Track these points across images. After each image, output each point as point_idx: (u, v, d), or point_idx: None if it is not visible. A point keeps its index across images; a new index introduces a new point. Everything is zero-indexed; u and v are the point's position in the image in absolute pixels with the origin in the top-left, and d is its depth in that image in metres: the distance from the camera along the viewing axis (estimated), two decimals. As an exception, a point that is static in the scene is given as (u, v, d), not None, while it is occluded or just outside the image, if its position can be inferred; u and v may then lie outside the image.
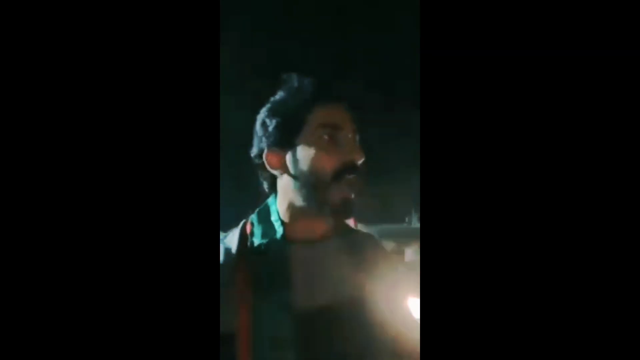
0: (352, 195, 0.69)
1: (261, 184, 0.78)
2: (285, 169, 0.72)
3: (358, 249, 0.76)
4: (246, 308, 0.65)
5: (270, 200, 0.77)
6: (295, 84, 0.73)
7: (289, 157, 0.71)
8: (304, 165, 0.69)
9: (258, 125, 0.75)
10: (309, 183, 0.69)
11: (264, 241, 0.71)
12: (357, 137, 0.73)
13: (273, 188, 0.77)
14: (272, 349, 0.63)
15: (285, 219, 0.73)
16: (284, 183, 0.73)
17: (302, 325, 0.65)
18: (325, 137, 0.69)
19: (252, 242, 0.72)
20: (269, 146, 0.73)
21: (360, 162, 0.69)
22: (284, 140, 0.71)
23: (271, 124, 0.72)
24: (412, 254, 3.95)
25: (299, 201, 0.71)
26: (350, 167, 0.69)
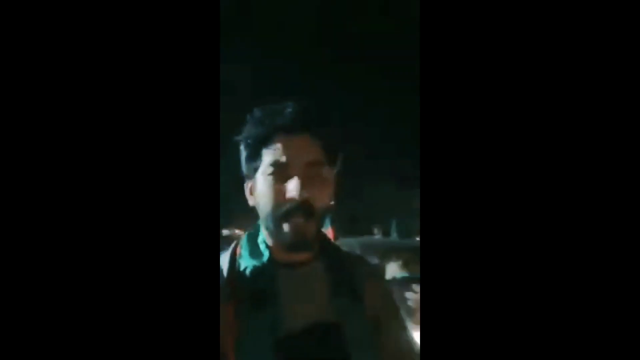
0: (308, 231, 0.69)
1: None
2: (252, 199, 0.76)
3: (345, 271, 0.77)
4: (233, 329, 0.66)
5: (260, 221, 0.79)
6: (258, 115, 0.73)
7: (253, 188, 0.75)
8: (258, 200, 0.72)
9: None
10: (263, 217, 0.72)
11: (251, 264, 0.73)
12: (320, 170, 0.71)
13: None
14: None
15: (269, 243, 0.75)
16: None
17: (288, 348, 0.67)
18: (271, 176, 0.69)
19: (239, 264, 0.74)
20: (244, 175, 0.77)
21: (301, 200, 0.68)
22: (250, 172, 0.74)
23: (241, 156, 0.76)
24: (395, 269, 3.91)
25: (265, 230, 0.75)
26: (295, 207, 0.68)
